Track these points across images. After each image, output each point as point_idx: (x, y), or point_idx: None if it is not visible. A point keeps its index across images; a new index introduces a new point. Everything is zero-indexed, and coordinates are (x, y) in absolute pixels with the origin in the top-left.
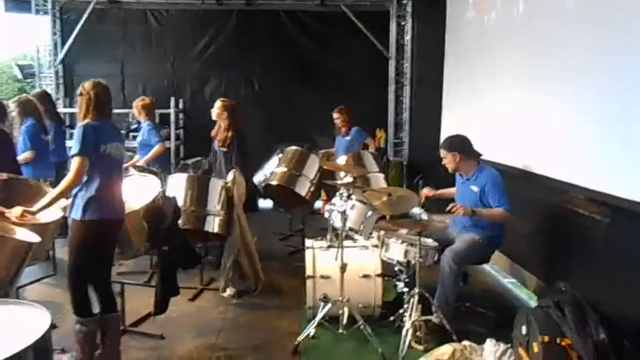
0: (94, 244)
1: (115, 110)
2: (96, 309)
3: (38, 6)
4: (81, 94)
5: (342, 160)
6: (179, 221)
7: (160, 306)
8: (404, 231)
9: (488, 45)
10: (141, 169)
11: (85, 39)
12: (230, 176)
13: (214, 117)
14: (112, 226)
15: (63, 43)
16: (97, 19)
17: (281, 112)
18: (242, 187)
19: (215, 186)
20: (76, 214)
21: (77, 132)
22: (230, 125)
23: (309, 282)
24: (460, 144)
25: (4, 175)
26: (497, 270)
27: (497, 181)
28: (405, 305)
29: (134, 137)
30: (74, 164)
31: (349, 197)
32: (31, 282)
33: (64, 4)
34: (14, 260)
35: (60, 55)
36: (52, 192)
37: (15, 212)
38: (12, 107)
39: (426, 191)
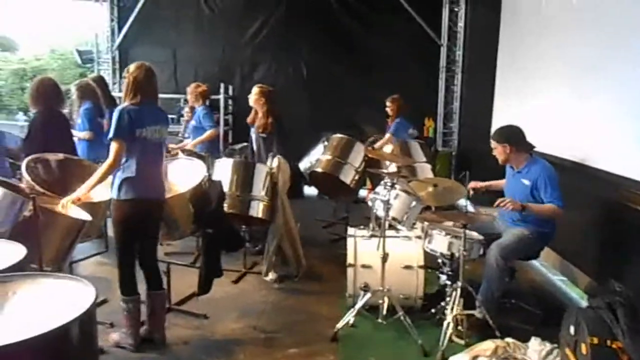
0: (133, 222)
1: (167, 95)
2: (144, 286)
3: None
4: (126, 77)
5: (387, 149)
6: (224, 205)
7: (204, 287)
8: (448, 223)
9: (545, 33)
10: (189, 153)
11: (140, 25)
12: (275, 162)
13: (250, 103)
14: (149, 205)
15: (120, 29)
16: (152, 5)
17: (328, 98)
18: (286, 174)
19: (261, 172)
20: (114, 194)
21: (114, 116)
22: (268, 111)
23: (349, 271)
24: (512, 135)
25: (60, 156)
26: (546, 266)
27: (551, 175)
28: (448, 299)
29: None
30: (111, 147)
31: (392, 186)
32: (84, 258)
33: None
34: (66, 237)
35: (117, 41)
36: (94, 176)
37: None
38: (72, 90)
39: (473, 184)
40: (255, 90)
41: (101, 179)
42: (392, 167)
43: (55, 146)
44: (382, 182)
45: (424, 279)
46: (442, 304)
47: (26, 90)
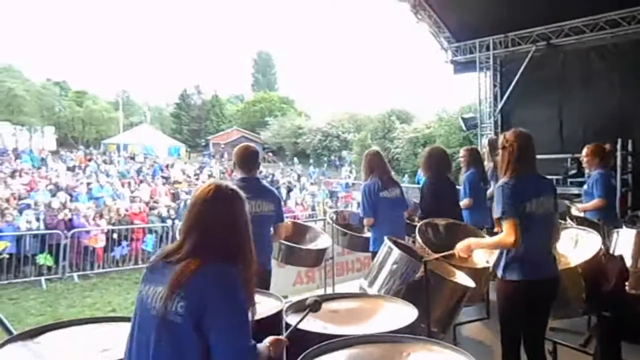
0: (517, 304)
1: (552, 156)
2: None
3: (482, 64)
4: (504, 147)
5: None
6: (626, 285)
7: None
8: None
9: None
10: (580, 221)
11: (522, 88)
12: None
13: None
14: (537, 287)
15: (502, 94)
16: (534, 66)
17: None
18: None
19: None
20: (500, 272)
21: (496, 192)
22: None
23: None
24: None
25: (447, 220)
26: None
27: None
28: None
29: (571, 183)
30: (504, 226)
31: None
32: (466, 322)
33: (504, 57)
34: (452, 301)
35: (500, 105)
36: (485, 240)
37: (460, 246)
38: (461, 154)
39: None
40: None
41: (490, 247)
42: None
43: (442, 210)
44: None
45: None
46: None
47: (418, 155)
